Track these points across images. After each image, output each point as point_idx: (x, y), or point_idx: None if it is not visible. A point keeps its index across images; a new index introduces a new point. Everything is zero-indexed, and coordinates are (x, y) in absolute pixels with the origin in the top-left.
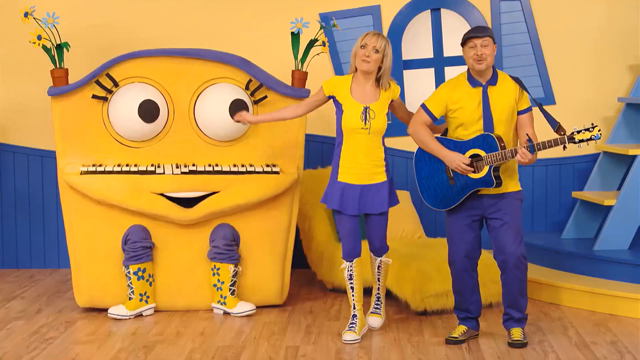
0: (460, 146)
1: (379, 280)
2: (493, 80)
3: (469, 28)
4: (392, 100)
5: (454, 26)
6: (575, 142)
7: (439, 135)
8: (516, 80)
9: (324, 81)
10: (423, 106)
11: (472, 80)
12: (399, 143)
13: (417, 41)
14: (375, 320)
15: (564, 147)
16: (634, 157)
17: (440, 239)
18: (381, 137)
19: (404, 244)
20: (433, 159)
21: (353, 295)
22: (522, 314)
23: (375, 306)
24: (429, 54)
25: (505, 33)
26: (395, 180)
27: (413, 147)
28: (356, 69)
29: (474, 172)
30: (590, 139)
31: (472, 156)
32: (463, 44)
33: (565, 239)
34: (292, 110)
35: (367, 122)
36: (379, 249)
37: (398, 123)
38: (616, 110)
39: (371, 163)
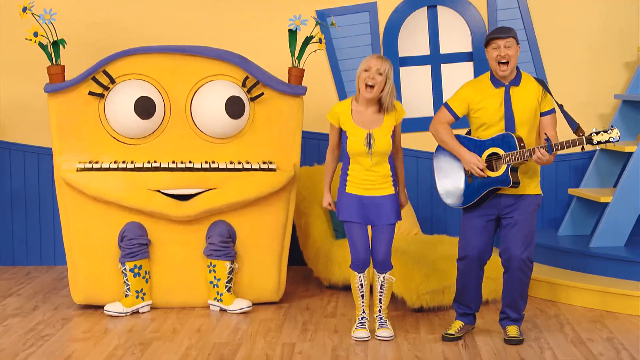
0: (480, 145)
1: (380, 302)
2: (516, 81)
3: (465, 25)
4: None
5: (451, 23)
6: (593, 144)
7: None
8: (540, 81)
9: (327, 115)
10: (446, 105)
11: (495, 81)
12: (404, 142)
13: (413, 38)
14: (387, 332)
15: (582, 148)
16: (630, 154)
17: (437, 236)
18: (387, 157)
19: (400, 241)
20: (453, 157)
21: (362, 303)
22: (519, 314)
23: (381, 323)
24: (425, 51)
25: None
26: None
27: (418, 147)
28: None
29: (492, 170)
30: (609, 140)
31: (490, 155)
32: (486, 45)
33: (562, 236)
34: (333, 159)
35: (370, 147)
36: (383, 261)
37: (404, 122)
38: (612, 107)
39: (378, 179)
